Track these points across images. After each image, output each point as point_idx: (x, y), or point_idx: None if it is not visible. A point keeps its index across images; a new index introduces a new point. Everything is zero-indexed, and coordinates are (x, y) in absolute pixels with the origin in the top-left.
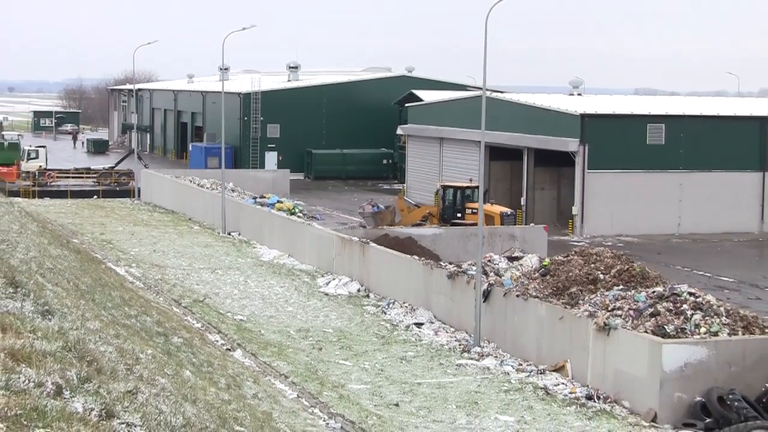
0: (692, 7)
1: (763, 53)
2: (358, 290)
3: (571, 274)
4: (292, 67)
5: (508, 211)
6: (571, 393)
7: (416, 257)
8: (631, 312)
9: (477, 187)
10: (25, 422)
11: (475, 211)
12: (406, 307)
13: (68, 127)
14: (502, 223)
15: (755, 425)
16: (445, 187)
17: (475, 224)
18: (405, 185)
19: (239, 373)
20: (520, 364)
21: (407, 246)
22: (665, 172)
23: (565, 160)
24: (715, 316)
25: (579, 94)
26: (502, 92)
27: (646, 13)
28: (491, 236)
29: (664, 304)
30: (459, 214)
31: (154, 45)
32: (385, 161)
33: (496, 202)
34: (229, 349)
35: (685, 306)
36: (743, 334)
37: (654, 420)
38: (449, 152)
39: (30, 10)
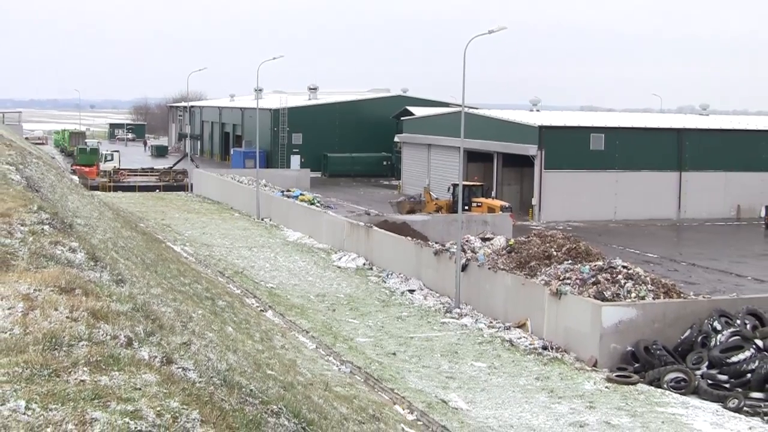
0: (627, 41)
1: (681, 78)
2: (364, 264)
3: (531, 251)
4: (312, 89)
5: (507, 204)
6: (530, 344)
7: (409, 238)
8: (578, 281)
9: (482, 185)
10: (104, 367)
11: (479, 204)
12: (401, 277)
13: (128, 135)
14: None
15: (672, 368)
16: (455, 185)
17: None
18: (401, 182)
19: (270, 329)
20: (491, 322)
21: (402, 229)
22: (604, 172)
23: (527, 162)
24: (643, 284)
25: (537, 110)
26: (477, 108)
27: (589, 45)
28: (468, 222)
29: (604, 274)
30: (466, 207)
31: (204, 71)
32: (385, 163)
33: (496, 197)
34: (263, 310)
35: (619, 276)
36: (664, 298)
37: (595, 365)
38: (435, 156)
39: (106, 44)
